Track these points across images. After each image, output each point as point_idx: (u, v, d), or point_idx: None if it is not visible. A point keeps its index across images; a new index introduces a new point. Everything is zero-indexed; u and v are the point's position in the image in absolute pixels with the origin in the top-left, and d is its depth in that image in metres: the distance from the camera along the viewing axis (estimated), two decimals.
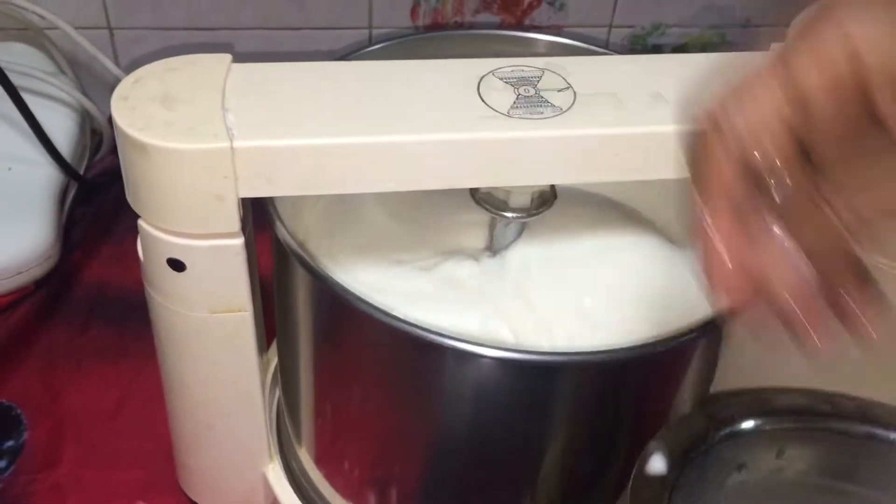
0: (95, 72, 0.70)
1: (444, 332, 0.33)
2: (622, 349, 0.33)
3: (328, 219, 0.43)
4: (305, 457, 0.45)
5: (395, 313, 0.33)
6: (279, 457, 0.47)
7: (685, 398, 0.39)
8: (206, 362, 0.39)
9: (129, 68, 0.70)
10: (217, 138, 0.32)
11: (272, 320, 0.43)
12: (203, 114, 0.33)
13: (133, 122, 0.32)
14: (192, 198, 0.33)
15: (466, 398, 0.36)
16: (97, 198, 0.69)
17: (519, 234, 0.41)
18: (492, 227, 0.41)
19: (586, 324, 0.38)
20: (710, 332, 0.34)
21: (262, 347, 0.45)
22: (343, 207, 0.43)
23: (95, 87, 0.70)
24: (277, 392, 0.49)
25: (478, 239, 0.42)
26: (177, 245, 0.35)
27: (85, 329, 0.61)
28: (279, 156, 0.33)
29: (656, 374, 0.37)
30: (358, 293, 0.34)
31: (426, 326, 0.33)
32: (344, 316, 0.36)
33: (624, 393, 0.37)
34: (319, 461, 0.44)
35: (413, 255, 0.41)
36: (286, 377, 0.44)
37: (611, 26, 0.76)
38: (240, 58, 0.36)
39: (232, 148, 0.32)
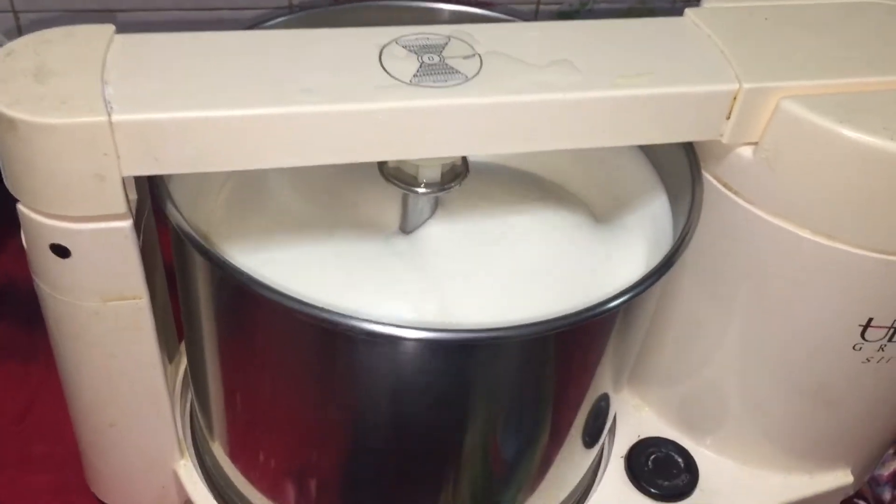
0: None
1: (348, 314, 0.31)
2: (534, 323, 0.32)
3: (235, 202, 0.40)
4: (219, 451, 0.43)
5: (297, 296, 0.32)
6: (192, 453, 0.44)
7: (605, 371, 0.37)
8: (103, 355, 0.37)
9: None
10: (93, 112, 0.30)
11: None
12: (79, 87, 0.30)
13: (1, 97, 0.30)
14: (70, 178, 0.31)
15: (376, 381, 0.35)
16: (3, 190, 0.65)
17: (433, 210, 0.39)
18: (404, 203, 0.39)
19: (499, 301, 0.37)
20: (627, 303, 0.33)
21: (170, 338, 0.43)
22: (251, 190, 0.41)
23: None
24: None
25: (391, 217, 0.40)
26: (59, 229, 0.32)
27: None
28: (163, 130, 0.30)
29: (576, 345, 0.36)
30: (254, 275, 0.32)
31: (328, 308, 0.31)
32: (243, 300, 0.34)
33: (541, 368, 0.35)
34: (233, 455, 0.42)
35: (324, 236, 0.39)
36: (194, 369, 0.42)
37: (539, 3, 0.75)
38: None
39: (110, 122, 0.30)
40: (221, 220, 0.39)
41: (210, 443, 0.43)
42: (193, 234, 0.33)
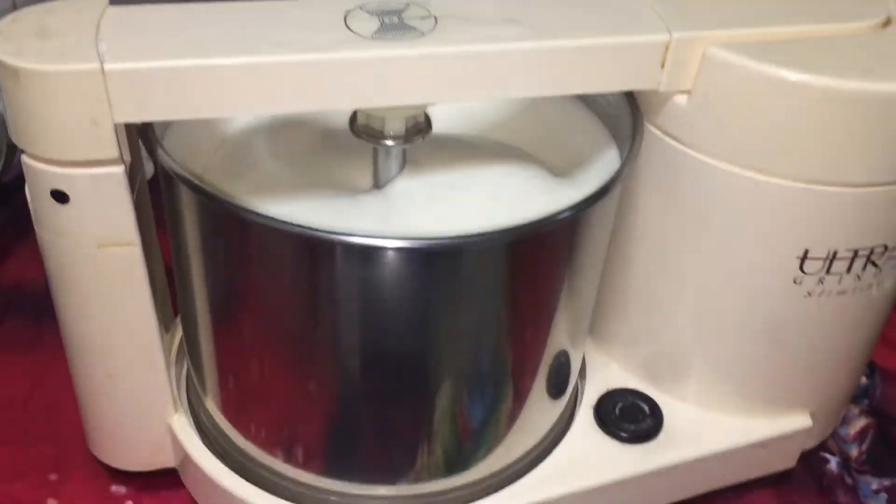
0: None
1: (332, 229, 0.34)
2: (519, 226, 0.36)
3: (222, 169, 0.44)
4: (212, 406, 0.46)
5: (276, 215, 0.35)
6: (187, 410, 0.47)
7: (578, 274, 0.41)
8: (99, 302, 0.40)
9: None
10: (87, 61, 0.33)
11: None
12: (76, 43, 0.34)
13: (6, 51, 0.34)
14: (67, 122, 0.34)
15: (349, 299, 0.37)
16: (15, 201, 0.69)
17: (401, 167, 0.43)
18: (375, 160, 0.42)
19: None
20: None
21: (165, 308, 0.46)
22: (237, 157, 0.45)
23: None
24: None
25: (364, 178, 0.44)
26: (58, 175, 0.36)
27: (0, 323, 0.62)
28: (149, 77, 0.34)
29: (552, 249, 0.39)
30: (237, 201, 0.35)
31: (314, 226, 0.34)
32: (227, 231, 0.38)
33: (519, 273, 0.39)
34: (224, 409, 0.45)
35: (304, 195, 0.43)
36: (185, 322, 0.45)
37: None
38: None
39: (102, 70, 0.33)
40: (212, 178, 0.43)
41: (203, 398, 0.46)
42: (180, 168, 0.36)
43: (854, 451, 0.55)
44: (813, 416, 0.49)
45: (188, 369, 0.49)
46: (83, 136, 0.35)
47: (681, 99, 0.40)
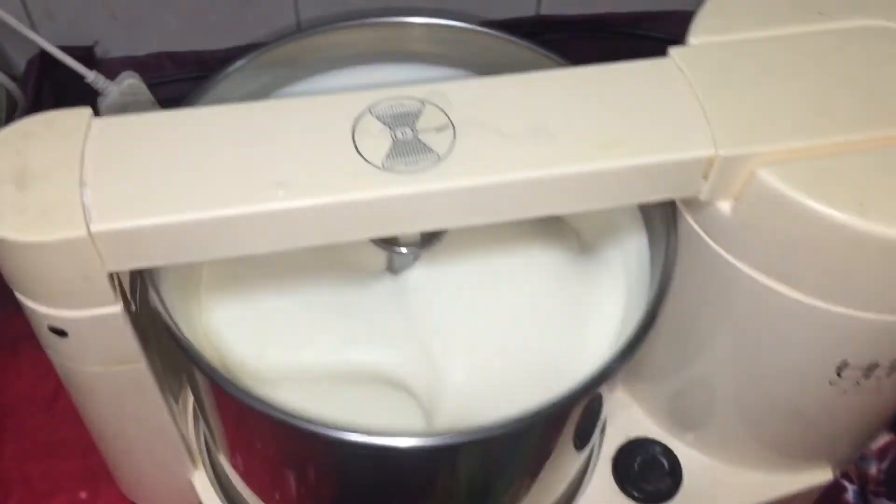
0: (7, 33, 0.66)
1: (314, 420, 0.32)
2: (524, 417, 0.33)
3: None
4: (226, 464, 0.46)
5: (275, 405, 0.33)
6: (206, 461, 0.48)
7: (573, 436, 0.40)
8: (112, 406, 0.40)
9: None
10: (73, 225, 0.31)
11: None
12: (58, 194, 0.31)
13: None
14: (58, 280, 0.32)
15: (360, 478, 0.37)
16: None
17: (416, 258, 0.40)
18: (389, 255, 0.40)
19: (482, 347, 0.39)
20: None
21: (175, 380, 0.44)
22: None
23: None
24: None
25: (378, 259, 0.41)
26: (55, 317, 0.34)
27: (17, 313, 0.61)
28: (140, 235, 0.31)
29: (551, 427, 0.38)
30: (230, 379, 0.34)
31: (298, 415, 0.33)
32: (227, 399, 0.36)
33: (520, 450, 0.38)
34: (235, 468, 0.45)
35: (315, 282, 0.40)
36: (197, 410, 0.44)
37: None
38: None
39: (90, 233, 0.31)
40: (211, 272, 0.41)
41: (217, 455, 0.46)
42: (179, 333, 0.34)
43: (873, 469, 0.55)
44: (833, 468, 0.48)
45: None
46: (76, 289, 0.33)
47: (724, 205, 0.37)
